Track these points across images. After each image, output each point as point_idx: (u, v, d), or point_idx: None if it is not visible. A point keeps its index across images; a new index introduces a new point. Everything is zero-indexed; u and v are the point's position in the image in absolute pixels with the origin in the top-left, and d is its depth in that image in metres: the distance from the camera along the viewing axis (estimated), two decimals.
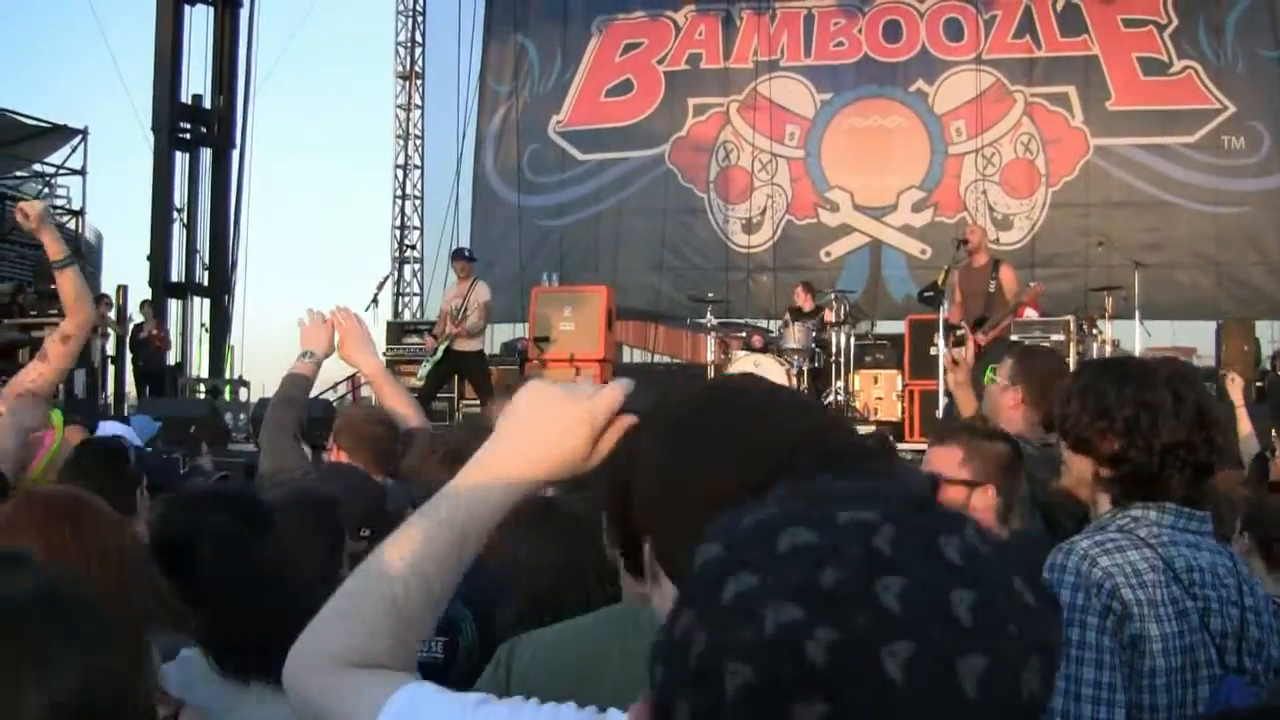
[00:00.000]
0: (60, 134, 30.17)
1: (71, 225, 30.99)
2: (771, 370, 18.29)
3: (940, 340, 16.19)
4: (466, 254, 19.93)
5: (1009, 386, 5.97)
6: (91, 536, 2.91)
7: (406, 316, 28.86)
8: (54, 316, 20.56)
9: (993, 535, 1.25)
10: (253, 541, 3.37)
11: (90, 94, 66.99)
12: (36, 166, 32.03)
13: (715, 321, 20.57)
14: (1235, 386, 10.38)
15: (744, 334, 20.62)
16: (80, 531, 2.91)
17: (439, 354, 18.73)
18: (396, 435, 6.34)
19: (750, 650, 1.15)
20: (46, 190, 32.02)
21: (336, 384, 25.05)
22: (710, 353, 20.45)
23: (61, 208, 31.68)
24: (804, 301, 20.25)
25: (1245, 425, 10.07)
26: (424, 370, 19.16)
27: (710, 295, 21.42)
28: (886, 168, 26.78)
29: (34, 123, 29.42)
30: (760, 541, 1.23)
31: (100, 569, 2.82)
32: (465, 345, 18.62)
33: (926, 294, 17.07)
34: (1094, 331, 19.59)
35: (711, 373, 19.93)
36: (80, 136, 30.11)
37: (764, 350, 19.38)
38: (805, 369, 19.11)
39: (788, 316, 20.10)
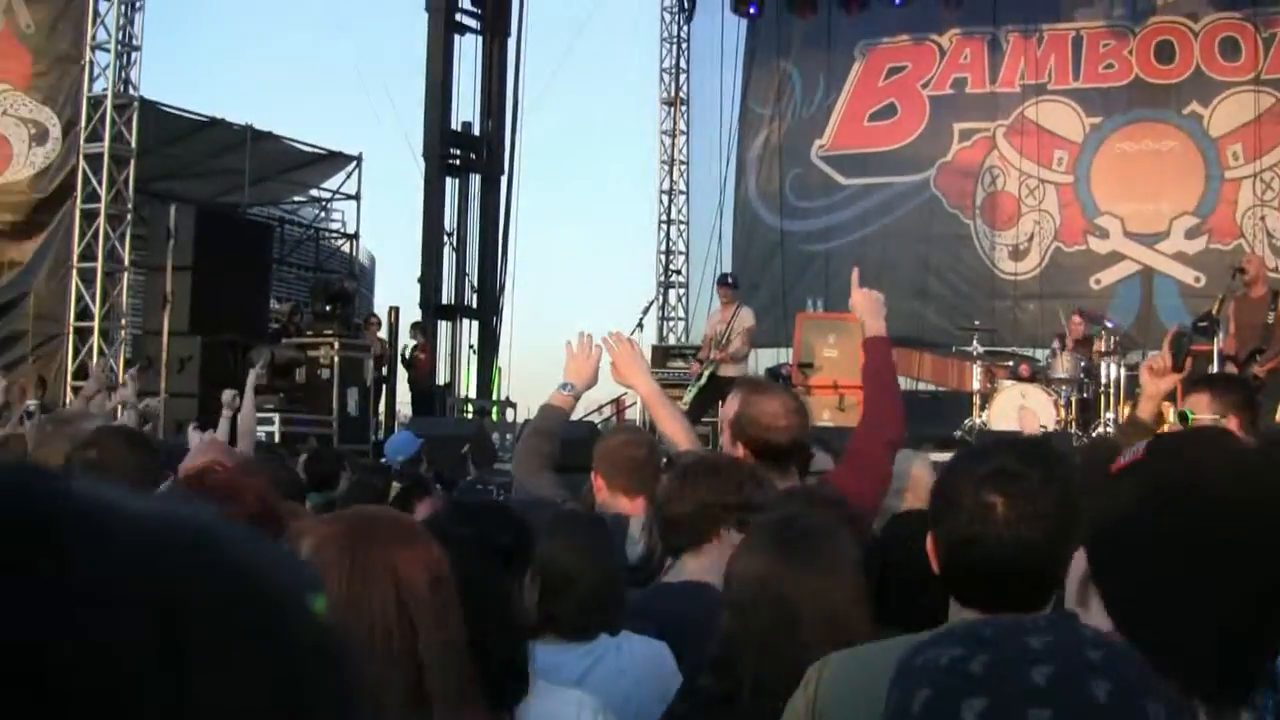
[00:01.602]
0: (336, 161, 30.91)
1: (346, 249, 31.79)
2: (1039, 401, 18.02)
3: (1215, 371, 15.80)
4: (729, 280, 19.94)
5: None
6: (435, 559, 2.95)
7: (671, 341, 29.01)
8: (329, 336, 21.12)
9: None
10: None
11: (364, 122, 68.56)
12: (313, 192, 32.90)
13: (981, 350, 20.29)
14: None
15: (1011, 363, 20.31)
16: (425, 552, 2.94)
17: (703, 379, 18.80)
18: (656, 459, 6.31)
19: None
20: (323, 214, 32.90)
21: (601, 406, 25.27)
22: (976, 381, 20.18)
23: (337, 231, 32.52)
24: (1074, 330, 19.90)
25: None
26: (688, 395, 19.25)
27: (976, 323, 21.19)
28: (1158, 193, 26.14)
29: (311, 150, 30.18)
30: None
31: (435, 593, 2.87)
32: (729, 370, 18.64)
33: (1201, 324, 16.69)
34: None
35: (977, 402, 19.69)
36: (355, 163, 30.82)
37: (1031, 380, 19.08)
38: (1074, 400, 18.77)
39: (1056, 345, 19.73)
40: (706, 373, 18.78)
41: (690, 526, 4.63)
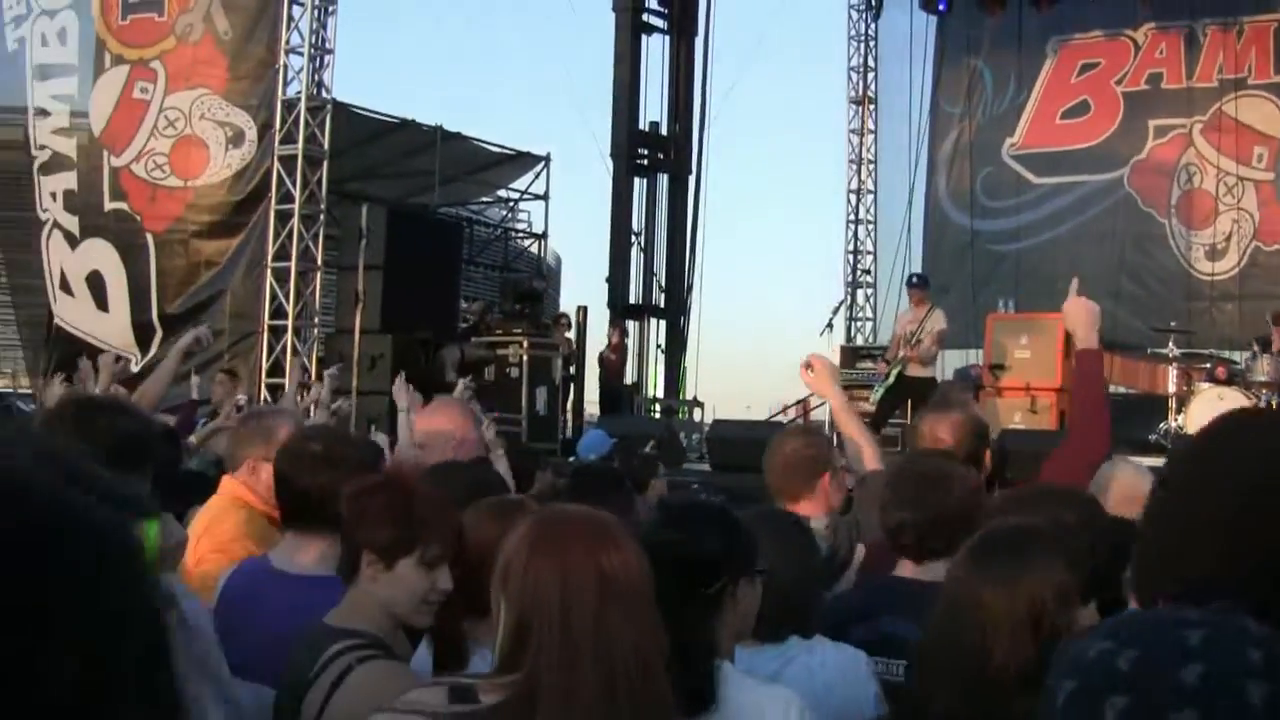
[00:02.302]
0: (524, 161, 31.23)
1: (534, 248, 32.07)
2: (1237, 404, 17.69)
3: None
4: (917, 280, 19.78)
5: None
6: (635, 560, 2.99)
7: (859, 341, 28.94)
8: (518, 335, 21.32)
9: None
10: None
11: (552, 123, 69.35)
12: (501, 192, 33.26)
13: (1177, 352, 19.98)
14: None
15: (1208, 365, 19.97)
16: (626, 554, 2.98)
17: (891, 379, 18.69)
18: (829, 462, 6.22)
19: None
20: (510, 214, 33.21)
21: (786, 407, 25.25)
22: (1171, 384, 19.86)
23: (524, 231, 32.81)
24: (1278, 333, 19.46)
25: None
26: (876, 395, 19.20)
27: (1172, 324, 20.84)
28: None
29: (500, 150, 30.52)
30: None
31: (637, 595, 2.92)
32: (918, 371, 18.54)
33: None
34: None
35: (1173, 405, 19.37)
36: (543, 163, 31.10)
37: (1229, 383, 18.76)
38: (1274, 403, 18.39)
39: (1255, 348, 19.32)
40: (894, 373, 18.67)
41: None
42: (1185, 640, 1.35)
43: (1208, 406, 17.98)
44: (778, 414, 25.25)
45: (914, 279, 20.03)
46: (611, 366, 24.96)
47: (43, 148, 24.87)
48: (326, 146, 22.45)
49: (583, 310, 25.61)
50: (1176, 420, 18.92)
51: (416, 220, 25.23)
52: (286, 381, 14.24)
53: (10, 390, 27.83)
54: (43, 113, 25.00)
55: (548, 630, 2.83)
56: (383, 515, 3.81)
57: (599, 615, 2.84)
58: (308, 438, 4.89)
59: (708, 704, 3.27)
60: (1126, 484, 5.45)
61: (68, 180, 24.50)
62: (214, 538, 5.27)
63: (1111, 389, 24.32)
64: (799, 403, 24.40)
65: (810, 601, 4.31)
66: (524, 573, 2.90)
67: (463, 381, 10.90)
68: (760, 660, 3.98)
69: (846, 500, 6.39)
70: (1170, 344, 19.99)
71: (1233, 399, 17.83)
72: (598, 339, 25.48)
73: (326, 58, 22.78)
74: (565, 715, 2.79)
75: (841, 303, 25.78)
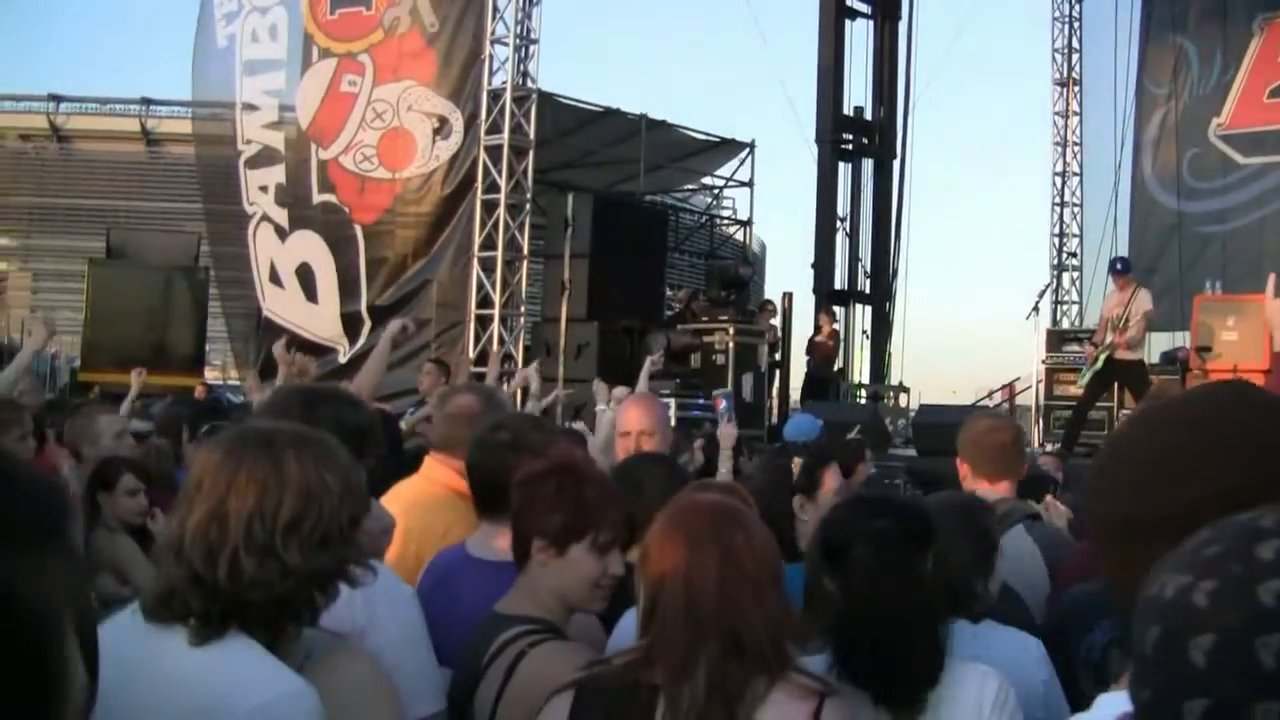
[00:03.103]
0: (728, 148, 31.42)
1: (739, 235, 32.21)
2: None
3: None
4: (1119, 266, 19.65)
5: None
6: (761, 542, 3.27)
7: (1065, 325, 28.77)
8: (724, 322, 21.46)
9: None
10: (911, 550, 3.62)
11: (757, 109, 69.71)
12: (706, 179, 33.44)
13: None
14: None
15: None
16: (751, 536, 3.25)
17: (1099, 363, 18.59)
18: (1021, 445, 6.39)
19: None
20: (715, 201, 33.37)
21: (992, 392, 25.18)
22: None
23: (729, 218, 32.97)
24: None
25: None
26: (1083, 379, 19.10)
27: None
28: None
29: (704, 137, 30.72)
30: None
31: (760, 574, 3.18)
32: (1126, 355, 18.40)
33: None
34: None
35: None
36: (747, 149, 31.28)
37: None
38: None
39: None
40: (1102, 357, 18.56)
41: None
42: (1259, 556, 1.28)
43: None
44: (983, 399, 25.24)
45: (1117, 264, 19.85)
46: (822, 352, 24.95)
47: (250, 142, 25.57)
48: (532, 136, 22.81)
49: (788, 296, 25.72)
50: None
51: (622, 208, 25.55)
52: (488, 373, 14.44)
53: (220, 382, 28.47)
54: (251, 107, 25.73)
55: (673, 605, 3.14)
56: (553, 501, 3.90)
57: (721, 592, 3.11)
58: (499, 426, 4.99)
59: (936, 677, 3.49)
60: None
61: (276, 174, 25.20)
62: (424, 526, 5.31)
63: None
64: (1004, 387, 24.34)
65: (975, 586, 4.28)
66: (658, 556, 3.21)
67: (650, 358, 11.02)
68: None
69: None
70: None
71: None
72: (803, 325, 25.64)
73: (532, 48, 23.13)
74: (687, 666, 3.07)
75: (1047, 286, 25.61)
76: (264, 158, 25.46)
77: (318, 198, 24.47)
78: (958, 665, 3.58)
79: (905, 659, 3.43)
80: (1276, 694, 1.19)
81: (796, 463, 6.31)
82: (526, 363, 21.07)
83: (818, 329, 25.16)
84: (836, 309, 26.42)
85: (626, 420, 7.02)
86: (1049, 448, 19.36)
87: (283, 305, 24.87)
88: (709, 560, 3.14)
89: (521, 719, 3.53)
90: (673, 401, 20.40)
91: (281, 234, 24.96)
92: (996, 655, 3.93)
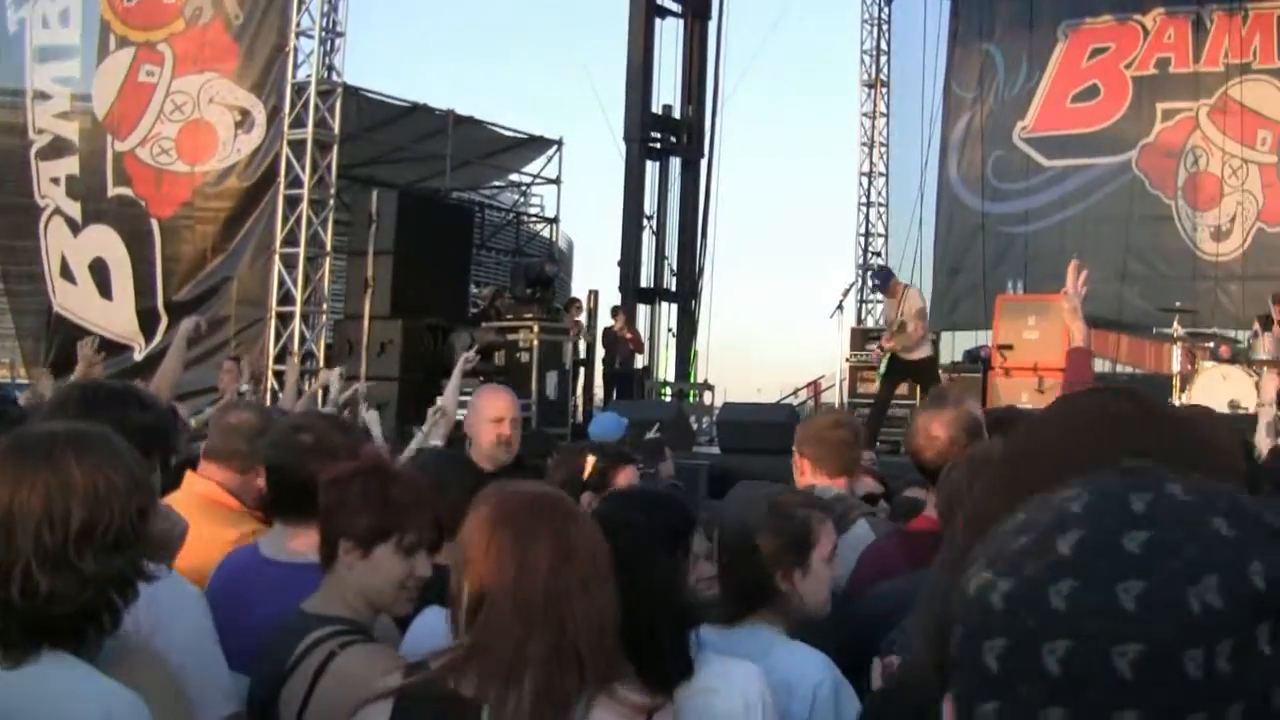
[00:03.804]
0: (536, 145, 31.40)
1: (546, 233, 32.22)
2: (1240, 382, 17.97)
3: None
4: (877, 281, 19.90)
5: None
6: (590, 535, 3.24)
7: (869, 323, 29.06)
8: (529, 320, 21.48)
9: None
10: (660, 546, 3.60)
11: (566, 106, 69.49)
12: (514, 176, 33.40)
13: (1182, 331, 20.18)
14: None
15: (1211, 344, 20.25)
16: (582, 530, 3.20)
17: (883, 366, 18.86)
18: (861, 441, 6.49)
19: None
20: (523, 199, 33.34)
21: (797, 390, 25.44)
22: (1176, 363, 20.07)
23: (536, 215, 32.97)
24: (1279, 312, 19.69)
25: None
26: (878, 379, 19.40)
27: (1177, 304, 21.06)
28: None
29: (512, 134, 30.67)
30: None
31: (591, 568, 3.13)
32: (911, 355, 18.60)
33: None
34: None
35: (1177, 384, 19.60)
36: (555, 147, 31.28)
37: (1232, 361, 19.03)
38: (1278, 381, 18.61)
39: (1257, 327, 19.60)
40: (884, 361, 18.81)
41: None
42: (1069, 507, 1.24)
43: (1211, 385, 18.32)
44: (788, 396, 25.51)
45: (875, 279, 20.07)
46: (626, 349, 24.97)
47: (41, 132, 24.93)
48: (337, 131, 22.64)
49: (594, 295, 25.77)
50: (1181, 399, 19.14)
51: (427, 205, 25.42)
52: (288, 372, 14.33)
53: (9, 380, 27.83)
54: (42, 96, 25.10)
55: (499, 600, 3.05)
56: (359, 503, 3.86)
57: (550, 586, 3.04)
58: (299, 428, 4.93)
59: (687, 674, 3.45)
60: None
61: (69, 165, 24.58)
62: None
63: (1118, 368, 24.67)
64: (809, 385, 24.61)
65: (776, 582, 4.20)
66: (484, 549, 3.11)
67: (465, 354, 11.04)
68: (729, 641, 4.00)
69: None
70: (1175, 324, 20.17)
71: (1236, 378, 18.13)
72: (609, 323, 25.57)
73: (337, 41, 22.93)
74: (513, 675, 2.99)
75: (852, 285, 25.88)
76: (56, 148, 24.79)
77: (113, 190, 23.90)
78: (724, 662, 3.61)
79: (652, 653, 3.35)
80: (1063, 700, 1.14)
81: (591, 460, 6.37)
82: (328, 361, 20.97)
83: (610, 327, 25.20)
84: (643, 307, 26.55)
85: (498, 407, 7.20)
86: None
87: (75, 301, 24.29)
88: (539, 554, 3.08)
89: None
90: None
91: (74, 228, 24.33)
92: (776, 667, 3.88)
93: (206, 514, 5.11)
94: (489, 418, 7.13)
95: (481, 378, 20.84)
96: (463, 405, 9.36)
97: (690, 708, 3.40)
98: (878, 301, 30.65)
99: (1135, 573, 1.13)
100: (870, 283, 19.98)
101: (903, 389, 19.22)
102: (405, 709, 3.09)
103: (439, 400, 9.38)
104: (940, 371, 19.88)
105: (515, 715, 2.96)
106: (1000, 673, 1.17)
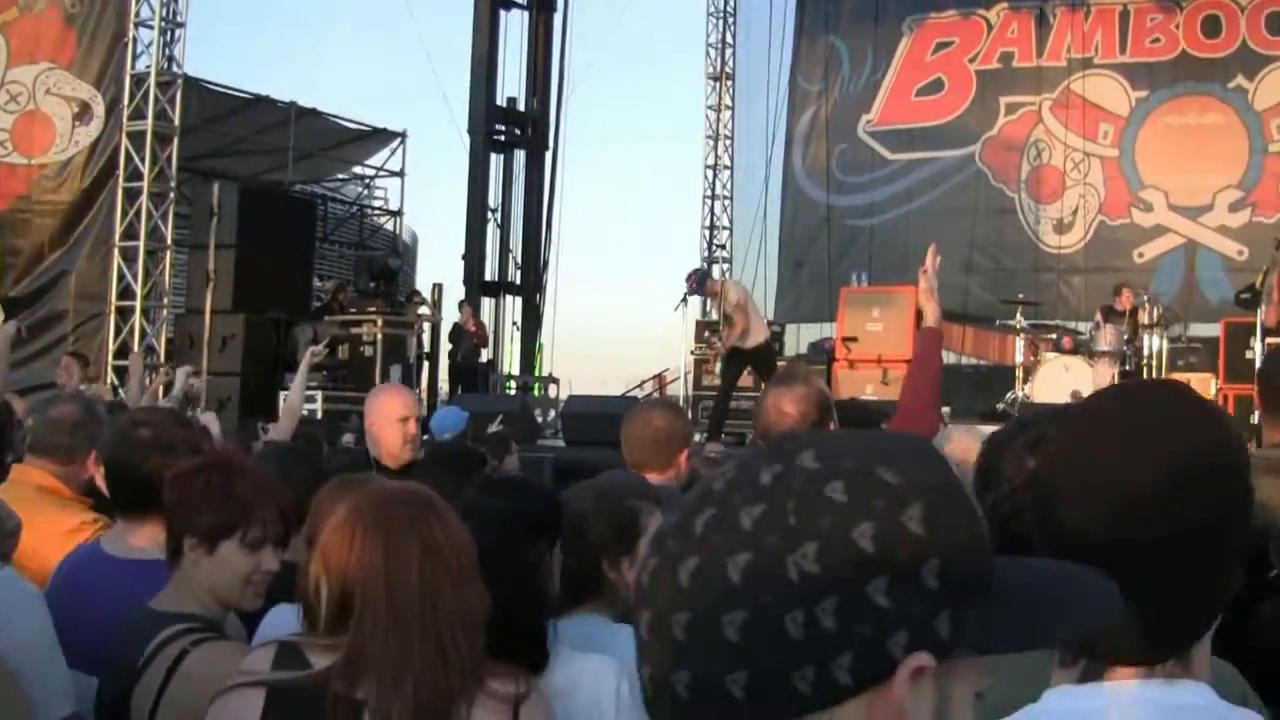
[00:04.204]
0: (380, 137, 31.27)
1: (390, 226, 32.04)
2: (1082, 373, 18.23)
3: (1256, 343, 15.99)
4: (695, 287, 19.84)
5: None
6: (457, 532, 3.19)
7: (714, 316, 29.06)
8: (372, 314, 21.34)
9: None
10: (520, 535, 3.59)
11: (409, 98, 68.85)
12: (358, 169, 33.18)
13: (1025, 323, 20.47)
14: None
15: (1054, 336, 20.55)
16: (448, 527, 3.18)
17: (724, 359, 18.87)
18: (684, 433, 6.38)
19: None
20: (367, 191, 33.11)
21: (643, 382, 25.45)
22: (1019, 355, 20.33)
23: (380, 208, 32.77)
24: (1121, 303, 20.01)
25: None
26: (719, 370, 19.41)
27: (1020, 296, 21.33)
28: (1203, 166, 26.36)
29: (356, 126, 30.50)
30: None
31: (459, 565, 3.10)
32: (747, 343, 18.56)
33: (1243, 295, 16.93)
34: None
35: (1020, 375, 19.85)
36: (399, 139, 31.16)
37: (1074, 352, 19.32)
38: (1116, 372, 18.92)
39: (1099, 318, 19.89)
40: (723, 357, 18.82)
41: None
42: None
43: (1053, 376, 18.60)
44: (633, 389, 25.51)
45: (689, 285, 19.89)
46: (473, 343, 24.86)
47: None
48: (177, 123, 22.35)
49: (438, 288, 25.64)
50: (1023, 389, 19.41)
51: (270, 198, 25.09)
52: (131, 367, 14.12)
53: None
54: None
55: (373, 601, 3.00)
56: (203, 499, 3.82)
57: (424, 585, 3.01)
58: (138, 423, 4.85)
59: (543, 664, 3.41)
60: (961, 446, 5.68)
61: None
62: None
63: (962, 360, 24.95)
64: (654, 377, 24.63)
65: (604, 571, 4.16)
66: (348, 548, 3.06)
67: (313, 349, 10.90)
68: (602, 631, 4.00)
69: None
70: (1018, 315, 20.46)
71: (1077, 368, 18.38)
72: (455, 316, 25.48)
73: (178, 31, 22.65)
74: (396, 679, 2.95)
75: None
76: None
77: None
78: (582, 659, 3.58)
79: (513, 643, 3.28)
80: (687, 664, 1.27)
81: None
82: (169, 356, 20.70)
83: (460, 322, 25.05)
84: (487, 300, 26.42)
85: (403, 406, 7.21)
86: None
87: None
88: (408, 553, 3.04)
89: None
90: (320, 394, 20.28)
91: None
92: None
93: (42, 502, 5.10)
94: (394, 418, 7.12)
95: (325, 372, 20.73)
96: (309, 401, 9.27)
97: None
98: None
99: (744, 546, 1.25)
100: (688, 289, 19.78)
101: (746, 380, 19.24)
102: (281, 706, 3.03)
103: (287, 394, 9.32)
104: (777, 360, 19.91)
105: (399, 717, 2.94)
106: (642, 641, 1.32)
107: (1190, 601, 1.92)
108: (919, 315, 18.54)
